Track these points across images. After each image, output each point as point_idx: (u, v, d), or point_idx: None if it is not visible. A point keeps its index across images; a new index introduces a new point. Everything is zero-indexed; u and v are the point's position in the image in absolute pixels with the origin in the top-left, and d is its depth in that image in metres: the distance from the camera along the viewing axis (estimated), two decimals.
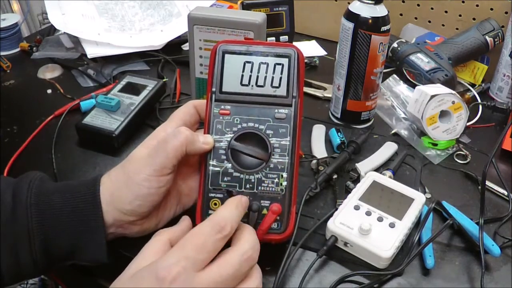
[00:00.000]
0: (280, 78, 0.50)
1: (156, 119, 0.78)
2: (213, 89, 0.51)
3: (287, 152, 0.49)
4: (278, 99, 0.50)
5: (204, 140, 0.49)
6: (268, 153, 0.49)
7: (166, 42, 1.00)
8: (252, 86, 0.50)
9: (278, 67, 0.50)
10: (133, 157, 0.50)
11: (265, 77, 0.50)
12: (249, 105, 0.50)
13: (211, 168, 0.49)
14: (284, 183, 0.49)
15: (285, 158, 0.49)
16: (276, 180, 0.49)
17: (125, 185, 0.48)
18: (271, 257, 0.53)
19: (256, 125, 0.50)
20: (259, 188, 0.49)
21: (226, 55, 0.51)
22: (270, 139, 0.49)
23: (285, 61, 0.50)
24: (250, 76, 0.51)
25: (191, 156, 0.50)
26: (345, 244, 0.54)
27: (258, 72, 0.50)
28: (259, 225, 0.48)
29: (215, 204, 0.49)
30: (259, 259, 0.53)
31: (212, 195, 0.49)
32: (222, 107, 0.50)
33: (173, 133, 0.48)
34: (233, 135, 0.49)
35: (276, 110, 0.50)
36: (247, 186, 0.49)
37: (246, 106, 0.50)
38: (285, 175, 0.49)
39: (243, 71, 0.51)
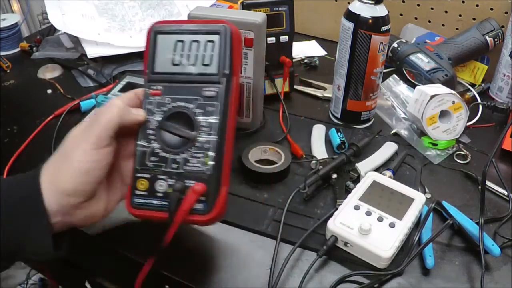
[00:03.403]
0: (211, 56, 0.49)
1: None
2: (147, 70, 0.51)
3: (216, 131, 0.48)
4: (208, 77, 0.49)
5: (137, 112, 0.50)
6: (195, 132, 0.48)
7: None
8: (184, 65, 0.50)
9: (210, 45, 0.49)
10: (69, 136, 0.49)
11: (196, 56, 0.50)
12: (180, 84, 0.50)
13: (139, 148, 0.49)
14: (210, 163, 0.47)
15: (213, 136, 0.47)
16: (202, 159, 0.47)
17: (64, 164, 0.46)
18: (270, 257, 0.53)
19: (186, 104, 0.49)
20: (185, 167, 0.47)
21: (159, 36, 0.51)
22: (197, 117, 0.48)
23: (216, 38, 0.49)
24: (182, 55, 0.50)
25: (130, 136, 0.50)
26: (345, 244, 0.54)
27: (190, 50, 0.50)
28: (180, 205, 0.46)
29: (142, 184, 0.48)
30: (257, 258, 0.53)
31: (139, 175, 0.49)
32: (154, 87, 0.50)
33: (106, 106, 0.48)
34: (163, 114, 0.49)
35: (206, 88, 0.49)
36: (173, 165, 0.48)
37: (177, 86, 0.50)
38: (211, 154, 0.47)
39: (174, 51, 0.50)
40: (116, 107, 0.48)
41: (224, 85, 0.49)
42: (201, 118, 0.48)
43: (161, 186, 0.48)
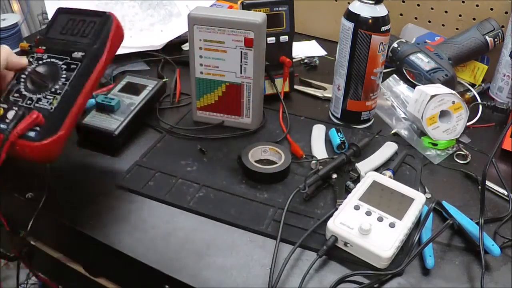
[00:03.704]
0: (89, 31, 0.64)
1: (156, 119, 0.78)
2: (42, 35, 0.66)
3: (70, 83, 0.60)
4: (81, 45, 0.63)
5: (21, 58, 0.62)
6: (55, 80, 0.60)
7: (166, 42, 1.00)
8: (68, 35, 0.65)
9: (91, 24, 0.65)
10: None
11: (78, 30, 0.65)
12: (61, 47, 0.64)
13: (9, 86, 0.61)
14: (56, 104, 0.58)
15: (67, 87, 0.59)
16: (51, 100, 0.59)
17: None
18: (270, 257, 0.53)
19: (57, 61, 0.62)
20: (36, 105, 0.59)
21: (59, 14, 0.67)
22: (62, 71, 0.61)
23: (98, 19, 0.65)
24: (69, 28, 0.66)
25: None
26: (345, 244, 0.54)
27: (76, 25, 0.65)
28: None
29: None
30: (257, 258, 0.53)
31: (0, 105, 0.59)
32: (40, 47, 0.65)
33: None
34: (36, 64, 0.62)
35: (76, 51, 0.62)
36: (28, 102, 0.59)
37: (57, 48, 0.64)
38: (58, 97, 0.59)
39: (66, 24, 0.66)
40: (3, 50, 0.59)
41: (91, 53, 0.62)
42: (63, 72, 0.61)
43: (11, 114, 0.58)
